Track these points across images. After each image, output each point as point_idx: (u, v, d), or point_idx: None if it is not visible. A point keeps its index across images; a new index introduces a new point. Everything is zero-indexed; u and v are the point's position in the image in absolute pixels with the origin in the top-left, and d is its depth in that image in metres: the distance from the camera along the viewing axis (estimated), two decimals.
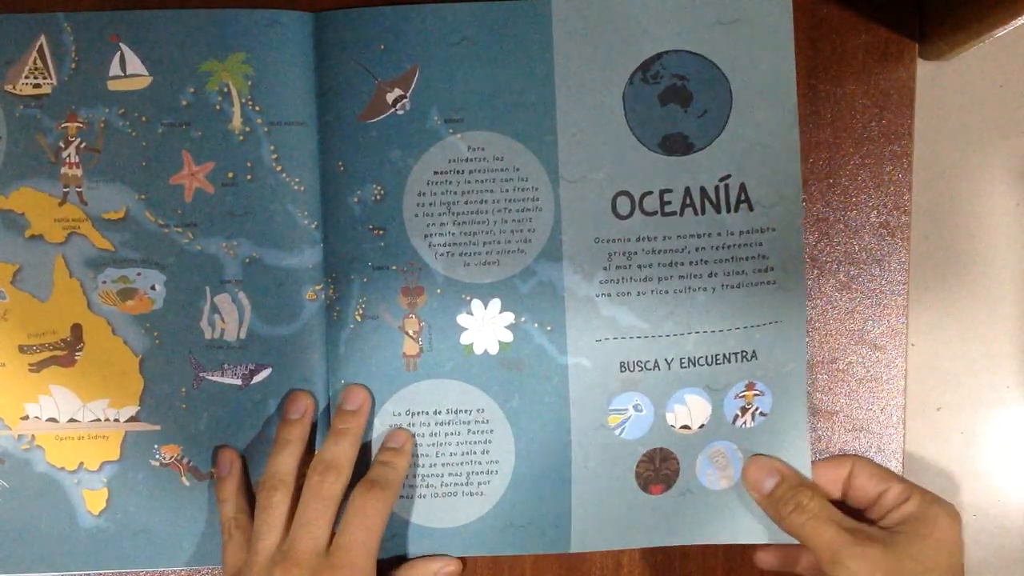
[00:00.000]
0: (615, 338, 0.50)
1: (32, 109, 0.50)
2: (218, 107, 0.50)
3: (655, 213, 0.50)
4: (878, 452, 0.52)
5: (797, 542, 0.47)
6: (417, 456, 0.51)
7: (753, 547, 0.51)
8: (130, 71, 0.50)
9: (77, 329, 0.51)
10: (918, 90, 0.52)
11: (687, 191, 0.50)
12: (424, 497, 0.51)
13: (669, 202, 0.50)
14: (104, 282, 0.51)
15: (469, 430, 0.51)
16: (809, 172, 0.52)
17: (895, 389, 0.52)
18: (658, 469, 0.51)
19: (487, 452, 0.51)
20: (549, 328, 0.50)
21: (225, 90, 0.50)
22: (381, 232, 0.50)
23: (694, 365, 0.50)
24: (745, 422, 0.51)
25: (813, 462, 0.50)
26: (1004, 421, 0.54)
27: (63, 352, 0.51)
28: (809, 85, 0.51)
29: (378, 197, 0.50)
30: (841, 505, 0.48)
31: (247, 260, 0.50)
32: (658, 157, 0.50)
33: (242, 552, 0.48)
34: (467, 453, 0.51)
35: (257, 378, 0.51)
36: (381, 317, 0.50)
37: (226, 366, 0.51)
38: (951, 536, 0.46)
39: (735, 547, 0.52)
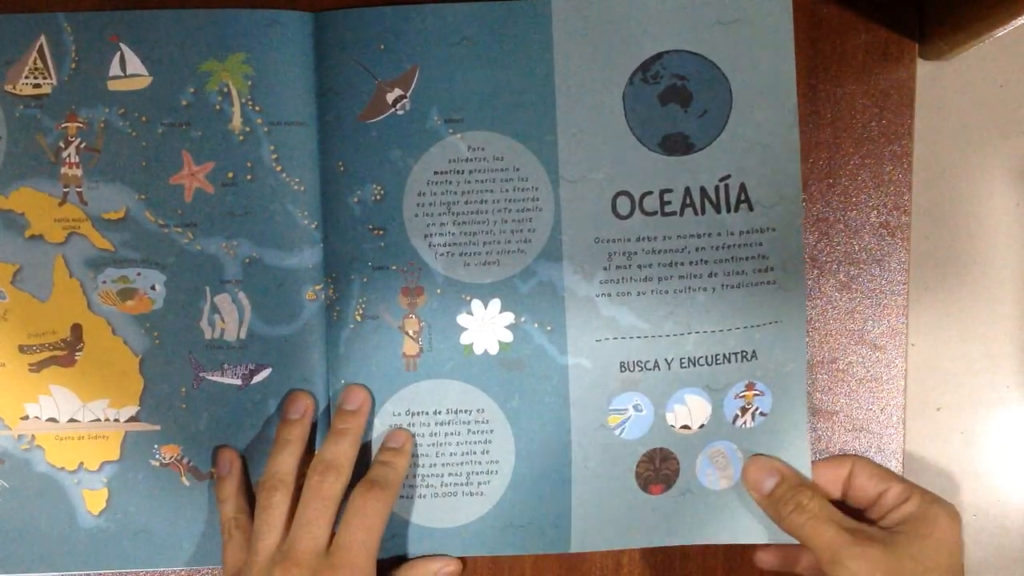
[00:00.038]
0: (615, 338, 0.50)
1: (32, 109, 0.50)
2: (218, 107, 0.50)
3: (655, 213, 0.50)
4: (878, 452, 0.52)
5: (797, 542, 0.47)
6: (417, 456, 0.51)
7: (753, 547, 0.51)
8: (130, 71, 0.50)
9: (77, 329, 0.51)
10: (918, 90, 0.52)
11: (687, 191, 0.50)
12: (424, 497, 0.51)
13: (669, 202, 0.50)
14: (104, 282, 0.51)
15: (469, 430, 0.51)
16: (809, 172, 0.52)
17: (895, 389, 0.52)
18: (658, 469, 0.51)
19: (487, 452, 0.51)
20: (549, 328, 0.50)
21: (225, 90, 0.50)
22: (381, 232, 0.50)
23: (694, 365, 0.50)
24: (745, 422, 0.51)
25: (813, 462, 0.50)
26: (1004, 421, 0.54)
27: (63, 352, 0.51)
28: (809, 85, 0.51)
29: (378, 197, 0.50)
30: (841, 505, 0.48)
31: (247, 260, 0.50)
32: (658, 157, 0.50)
33: (242, 552, 0.48)
34: (467, 453, 0.51)
35: (257, 378, 0.51)
36: (381, 317, 0.50)
37: (226, 366, 0.51)
38: (951, 536, 0.46)
39: (735, 547, 0.52)
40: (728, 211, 0.50)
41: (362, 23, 0.50)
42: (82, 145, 0.50)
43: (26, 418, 0.51)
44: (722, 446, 0.51)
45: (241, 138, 0.50)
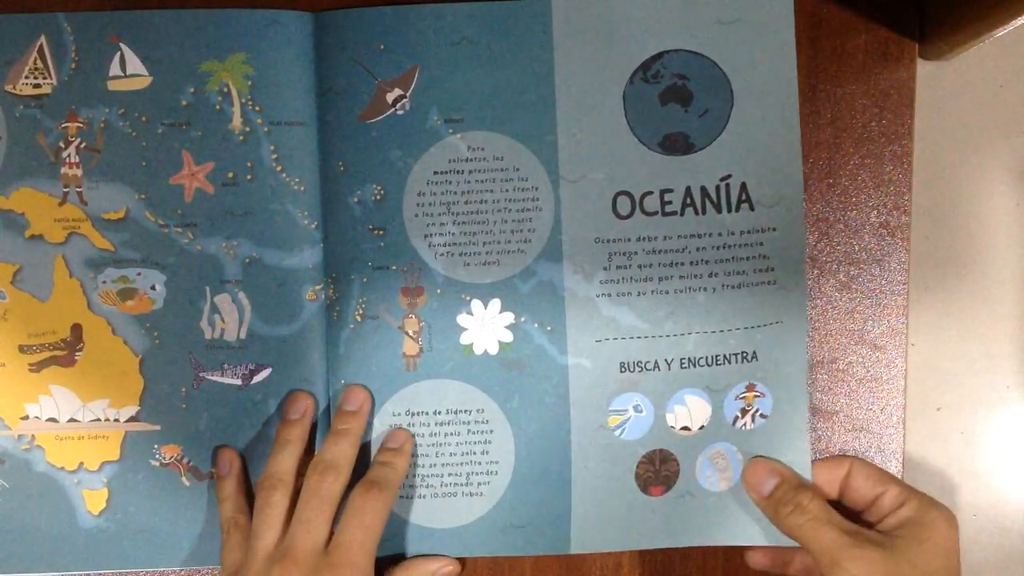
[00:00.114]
0: (615, 338, 0.50)
1: (32, 109, 0.50)
2: (218, 107, 0.50)
3: (655, 213, 0.50)
4: (878, 452, 0.52)
5: (795, 544, 0.47)
6: (417, 456, 0.51)
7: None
8: (130, 71, 0.50)
9: (77, 329, 0.51)
10: (918, 90, 0.52)
11: (688, 191, 0.50)
12: (424, 497, 0.51)
13: (670, 202, 0.50)
14: (104, 282, 0.51)
15: (469, 430, 0.51)
16: (809, 172, 0.52)
17: (895, 389, 0.52)
18: (658, 470, 0.51)
19: (487, 452, 0.51)
20: (549, 328, 0.50)
21: (225, 90, 0.50)
22: (381, 232, 0.50)
23: (694, 366, 0.50)
24: (745, 424, 0.50)
25: (811, 462, 0.50)
26: (1004, 421, 0.54)
27: (63, 352, 0.51)
28: (809, 85, 0.51)
29: (378, 197, 0.50)
30: (838, 506, 0.48)
31: (247, 260, 0.50)
32: (658, 157, 0.50)
33: (241, 551, 0.48)
34: (467, 453, 0.51)
35: (257, 378, 0.51)
36: (381, 317, 0.50)
37: (226, 366, 0.51)
38: (949, 541, 0.46)
39: (735, 548, 0.52)
40: (729, 211, 0.50)
41: (362, 23, 0.50)
42: (82, 145, 0.50)
43: (26, 418, 0.51)
44: (722, 447, 0.51)
45: (241, 138, 0.50)
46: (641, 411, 0.50)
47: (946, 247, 0.53)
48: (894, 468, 0.52)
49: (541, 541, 0.51)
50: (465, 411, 0.51)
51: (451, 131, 0.50)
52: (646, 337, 0.50)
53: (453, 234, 0.50)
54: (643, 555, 0.52)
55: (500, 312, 0.50)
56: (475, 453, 0.51)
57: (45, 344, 0.51)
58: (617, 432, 0.51)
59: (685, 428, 0.51)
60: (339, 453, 0.48)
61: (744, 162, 0.50)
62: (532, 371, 0.50)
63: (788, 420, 0.50)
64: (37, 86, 0.50)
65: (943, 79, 0.53)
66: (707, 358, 0.50)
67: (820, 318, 0.52)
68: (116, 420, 0.51)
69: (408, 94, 0.50)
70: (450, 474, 0.51)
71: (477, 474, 0.51)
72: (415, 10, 0.50)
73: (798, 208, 0.50)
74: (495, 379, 0.51)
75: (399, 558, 0.51)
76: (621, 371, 0.50)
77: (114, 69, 0.50)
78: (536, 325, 0.50)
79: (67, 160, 0.50)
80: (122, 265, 0.50)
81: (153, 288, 0.51)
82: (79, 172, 0.50)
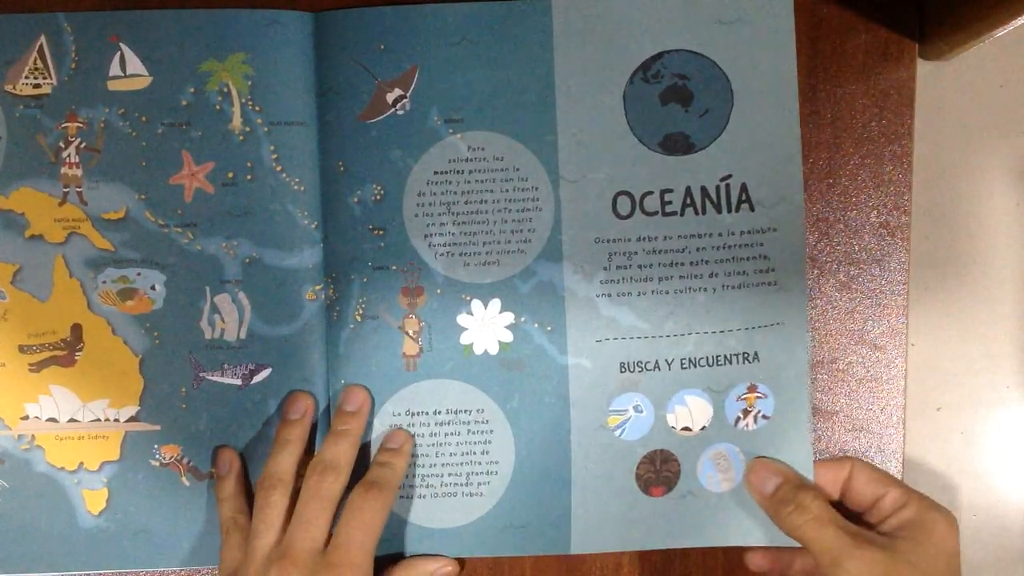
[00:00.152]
0: (615, 338, 0.50)
1: (32, 109, 0.50)
2: (218, 107, 0.50)
3: (656, 213, 0.50)
4: (878, 452, 0.52)
5: (796, 544, 0.47)
6: (417, 456, 0.51)
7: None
8: (130, 71, 0.50)
9: (77, 329, 0.51)
10: (918, 90, 0.52)
11: (688, 191, 0.50)
12: (424, 497, 0.51)
13: (670, 202, 0.50)
14: (104, 282, 0.50)
15: (469, 430, 0.51)
16: (809, 172, 0.52)
17: (895, 389, 0.52)
18: (659, 471, 0.51)
19: (487, 452, 0.51)
20: (549, 328, 0.50)
21: (225, 90, 0.50)
22: (381, 232, 0.50)
23: (695, 366, 0.50)
24: (747, 424, 0.50)
25: (813, 463, 0.50)
26: (1004, 421, 0.54)
27: (63, 352, 0.51)
28: (809, 85, 0.51)
29: (378, 197, 0.50)
30: (839, 507, 0.48)
31: (247, 260, 0.50)
32: (659, 157, 0.50)
33: (240, 551, 0.48)
34: (467, 453, 0.51)
35: (257, 378, 0.51)
36: (381, 317, 0.50)
37: (226, 366, 0.51)
38: (949, 543, 0.46)
39: (735, 548, 0.52)
40: (729, 211, 0.50)
41: (362, 23, 0.50)
42: (82, 145, 0.50)
43: (26, 418, 0.51)
44: (723, 448, 0.51)
45: (241, 138, 0.50)
46: (641, 411, 0.50)
47: (946, 247, 0.53)
48: (894, 468, 0.52)
49: (541, 541, 0.51)
50: (465, 411, 0.51)
51: (451, 131, 0.50)
52: (646, 337, 0.50)
53: (453, 234, 0.50)
54: (643, 555, 0.52)
55: (500, 312, 0.50)
56: (475, 453, 0.51)
57: (45, 344, 0.51)
58: (617, 432, 0.51)
59: (686, 429, 0.51)
60: (339, 453, 0.48)
61: (744, 162, 0.50)
62: (532, 371, 0.50)
63: (790, 421, 0.50)
64: (37, 86, 0.50)
65: (943, 79, 0.53)
66: (707, 358, 0.50)
67: (820, 318, 0.52)
68: (116, 420, 0.51)
69: (408, 94, 0.50)
70: (450, 474, 0.51)
71: (477, 474, 0.51)
72: (415, 10, 0.50)
73: (798, 209, 0.50)
74: (495, 379, 0.51)
75: (398, 558, 0.51)
76: (621, 371, 0.50)
77: (114, 69, 0.50)
78: (536, 325, 0.50)
79: (67, 160, 0.50)
80: (122, 265, 0.50)
81: (153, 288, 0.51)
82: (79, 172, 0.50)
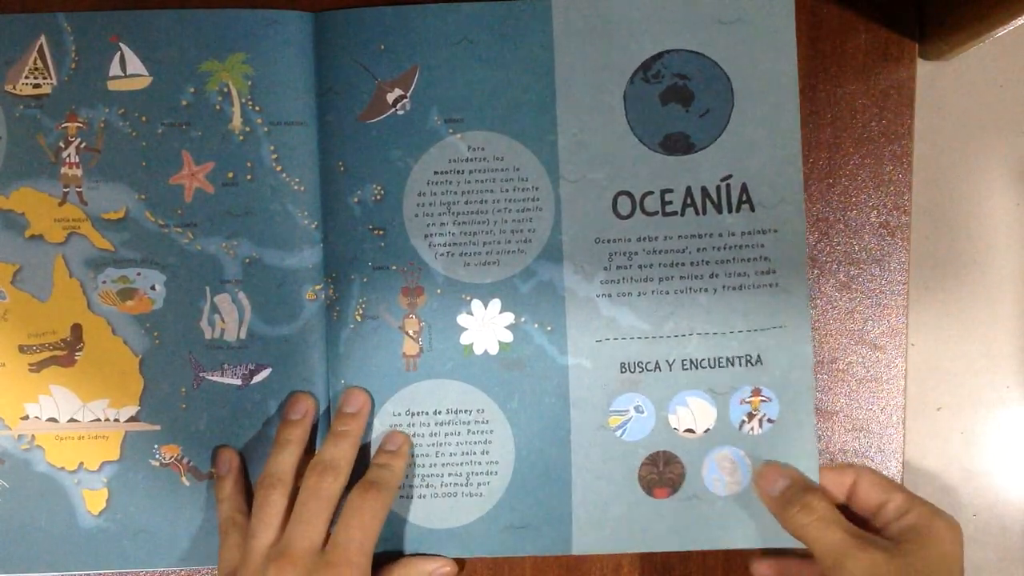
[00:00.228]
0: (615, 338, 0.50)
1: (32, 109, 0.50)
2: (218, 107, 0.50)
3: (656, 213, 0.50)
4: (878, 452, 0.52)
5: (801, 546, 0.47)
6: (417, 456, 0.51)
7: (753, 551, 0.51)
8: (130, 71, 0.50)
9: (77, 329, 0.51)
10: (918, 90, 0.52)
11: (688, 191, 0.50)
12: (424, 497, 0.51)
13: (670, 202, 0.50)
14: (104, 282, 0.50)
15: (469, 430, 0.51)
16: (809, 172, 0.52)
17: (895, 389, 0.52)
18: (662, 472, 0.51)
19: (487, 452, 0.51)
20: (549, 328, 0.50)
21: (225, 90, 0.50)
22: (381, 232, 0.50)
23: (696, 367, 0.50)
24: (752, 428, 0.50)
25: (819, 468, 0.50)
26: (1004, 421, 0.54)
27: (63, 352, 0.51)
28: (809, 85, 0.51)
29: (378, 197, 0.50)
30: (844, 513, 0.48)
31: (247, 260, 0.50)
32: (659, 157, 0.50)
33: (238, 551, 0.48)
34: (467, 453, 0.51)
35: (257, 378, 0.51)
36: (381, 317, 0.50)
37: (226, 366, 0.51)
38: (952, 549, 0.46)
39: (736, 549, 0.52)
40: (729, 211, 0.50)
41: (362, 23, 0.50)
42: (82, 145, 0.50)
43: (26, 418, 0.51)
44: (729, 451, 0.51)
45: (241, 138, 0.50)
46: (642, 412, 0.50)
47: (946, 247, 0.53)
48: (894, 468, 0.52)
49: (542, 542, 0.51)
50: (465, 411, 0.51)
51: (451, 131, 0.50)
52: (647, 338, 0.50)
53: (453, 234, 0.50)
54: (643, 555, 0.52)
55: (500, 312, 0.50)
56: (475, 453, 0.51)
57: (45, 344, 0.51)
58: (618, 433, 0.50)
59: (689, 430, 0.51)
60: (338, 454, 0.48)
61: (745, 162, 0.50)
62: (532, 371, 0.50)
63: (796, 425, 0.50)
64: (37, 86, 0.50)
65: (943, 79, 0.53)
66: (709, 360, 0.50)
67: (820, 318, 0.52)
68: (116, 420, 0.51)
69: (408, 94, 0.50)
70: (450, 474, 0.51)
71: (477, 474, 0.51)
72: (415, 10, 0.50)
73: (799, 210, 0.50)
74: (495, 379, 0.51)
75: (397, 557, 0.51)
76: (621, 371, 0.50)
77: (114, 69, 0.50)
78: (536, 325, 0.50)
79: (67, 160, 0.50)
80: (122, 265, 0.50)
81: (153, 288, 0.51)
82: (79, 172, 0.50)
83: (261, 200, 0.50)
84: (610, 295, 0.50)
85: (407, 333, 0.50)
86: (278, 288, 0.50)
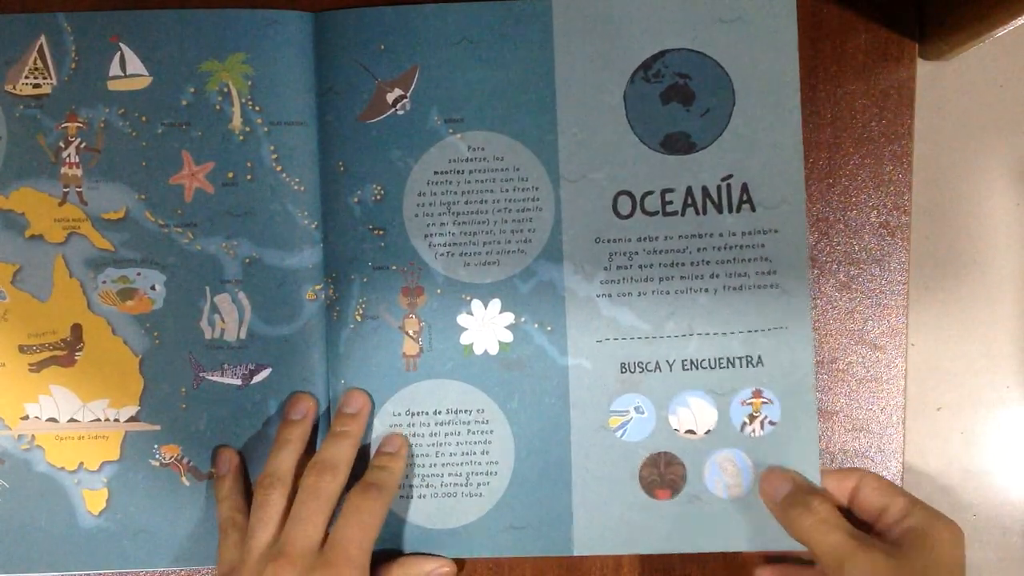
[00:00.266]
0: (616, 339, 0.50)
1: (32, 109, 0.50)
2: (218, 107, 0.50)
3: (656, 213, 0.50)
4: (878, 452, 0.52)
5: (803, 549, 0.47)
6: (416, 456, 0.51)
7: (755, 554, 0.51)
8: (130, 71, 0.50)
9: (77, 329, 0.51)
10: (918, 90, 0.52)
11: (689, 191, 0.50)
12: (424, 497, 0.51)
13: (671, 202, 0.50)
14: (104, 282, 0.50)
15: (469, 430, 0.51)
16: (809, 172, 0.52)
17: (895, 389, 0.52)
18: (663, 474, 0.51)
19: (487, 453, 0.51)
20: (549, 328, 0.50)
21: (225, 90, 0.50)
22: (381, 232, 0.50)
23: (697, 368, 0.50)
24: (754, 430, 0.50)
25: (821, 471, 0.50)
26: (1004, 421, 0.54)
27: (63, 352, 0.51)
28: (809, 85, 0.51)
29: (378, 197, 0.50)
30: (846, 516, 0.48)
31: (247, 260, 0.50)
32: (660, 156, 0.50)
33: (237, 550, 0.48)
34: (467, 453, 0.51)
35: (257, 378, 0.51)
36: (381, 317, 0.50)
37: (226, 366, 0.51)
38: (953, 553, 0.46)
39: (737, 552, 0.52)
40: (730, 211, 0.50)
41: (362, 23, 0.50)
42: (82, 145, 0.50)
43: (26, 418, 0.51)
44: (731, 453, 0.50)
45: (241, 138, 0.50)
46: (643, 412, 0.50)
47: (946, 247, 0.53)
48: (894, 468, 0.52)
49: (542, 542, 0.51)
50: (465, 411, 0.51)
51: (451, 131, 0.50)
52: (647, 338, 0.50)
53: (453, 234, 0.50)
54: (643, 556, 0.52)
55: (500, 312, 0.50)
56: (475, 453, 0.51)
57: (45, 344, 0.51)
58: (618, 433, 0.50)
59: (690, 431, 0.50)
60: (338, 454, 0.48)
61: (746, 162, 0.50)
62: (532, 371, 0.50)
63: (797, 427, 0.50)
64: (37, 86, 0.50)
65: (943, 79, 0.53)
66: (710, 361, 0.50)
67: (820, 318, 0.52)
68: (116, 420, 0.51)
69: (408, 94, 0.50)
70: (450, 474, 0.51)
71: (477, 474, 0.51)
72: (415, 10, 0.50)
73: (799, 210, 0.50)
74: (495, 379, 0.51)
75: (396, 556, 0.51)
76: (622, 372, 0.50)
77: (114, 69, 0.50)
78: (536, 325, 0.50)
79: (67, 160, 0.50)
80: (122, 265, 0.50)
81: (153, 288, 0.51)
82: (79, 172, 0.50)
83: (261, 200, 0.50)
84: (610, 295, 0.50)
85: (407, 333, 0.50)
86: (278, 288, 0.50)
